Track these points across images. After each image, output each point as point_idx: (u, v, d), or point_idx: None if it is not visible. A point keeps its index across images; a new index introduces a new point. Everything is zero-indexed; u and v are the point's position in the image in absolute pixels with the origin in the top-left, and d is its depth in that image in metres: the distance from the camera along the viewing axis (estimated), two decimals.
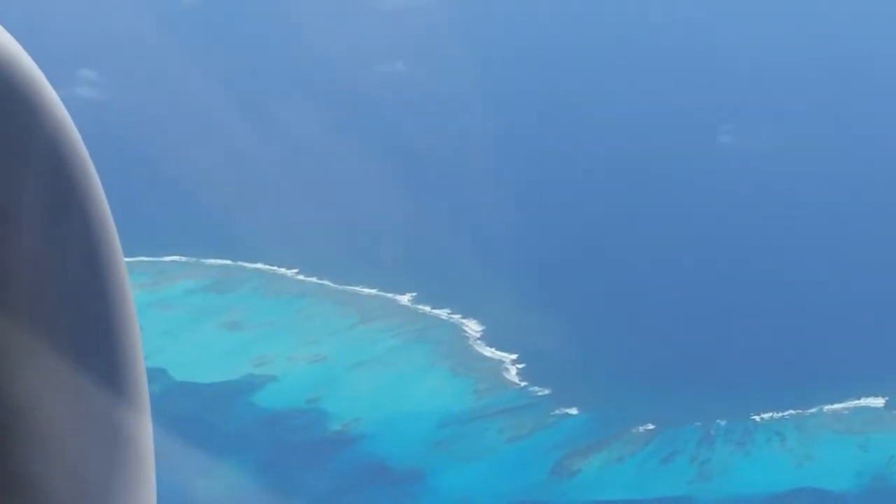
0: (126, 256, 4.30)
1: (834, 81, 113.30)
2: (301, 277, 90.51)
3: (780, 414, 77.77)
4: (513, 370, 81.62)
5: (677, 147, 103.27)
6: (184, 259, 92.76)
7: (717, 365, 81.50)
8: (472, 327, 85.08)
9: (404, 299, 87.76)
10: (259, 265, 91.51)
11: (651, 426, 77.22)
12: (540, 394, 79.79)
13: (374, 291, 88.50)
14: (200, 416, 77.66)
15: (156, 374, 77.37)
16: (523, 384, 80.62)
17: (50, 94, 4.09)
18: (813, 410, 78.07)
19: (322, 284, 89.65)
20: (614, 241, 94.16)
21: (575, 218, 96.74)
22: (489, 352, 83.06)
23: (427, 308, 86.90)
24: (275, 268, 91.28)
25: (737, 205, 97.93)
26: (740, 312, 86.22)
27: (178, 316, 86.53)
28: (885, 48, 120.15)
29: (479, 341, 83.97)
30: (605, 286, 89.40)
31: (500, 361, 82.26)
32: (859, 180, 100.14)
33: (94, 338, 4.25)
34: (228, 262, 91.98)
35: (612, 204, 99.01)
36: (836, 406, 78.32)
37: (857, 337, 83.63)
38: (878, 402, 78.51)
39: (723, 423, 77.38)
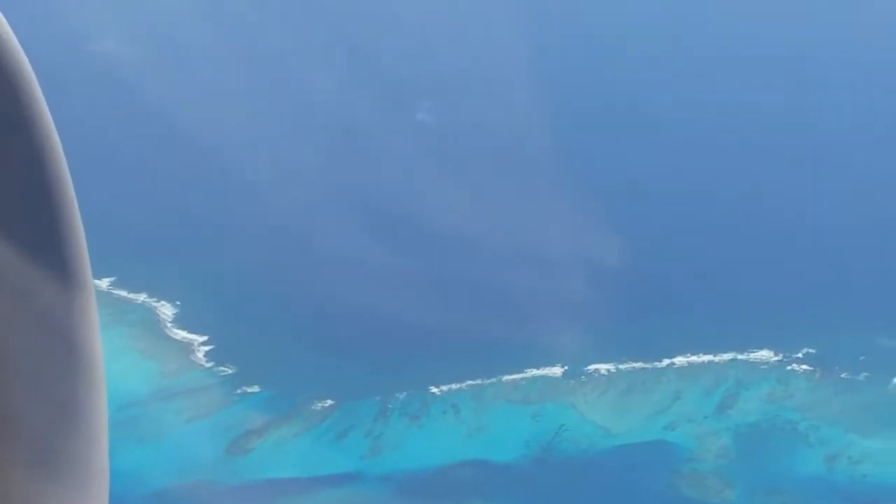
0: None
1: None
2: None
3: (459, 385, 78.07)
4: (200, 352, 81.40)
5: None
6: None
7: (401, 338, 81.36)
8: (165, 311, 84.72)
9: (102, 284, 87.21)
10: None
11: (330, 401, 77.25)
12: (224, 374, 79.64)
13: None
14: None
15: None
16: (209, 365, 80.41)
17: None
18: (492, 381, 78.47)
19: None
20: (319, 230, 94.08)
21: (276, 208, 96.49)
22: (180, 335, 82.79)
23: (123, 293, 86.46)
24: None
25: None
26: (422, 283, 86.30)
27: None
28: None
29: (170, 324, 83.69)
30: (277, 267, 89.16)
31: (189, 344, 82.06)
32: None
33: (43, 249, 4.65)
34: None
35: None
36: (515, 376, 78.73)
37: (539, 308, 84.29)
38: (557, 371, 79.15)
39: (401, 395, 77.58)
